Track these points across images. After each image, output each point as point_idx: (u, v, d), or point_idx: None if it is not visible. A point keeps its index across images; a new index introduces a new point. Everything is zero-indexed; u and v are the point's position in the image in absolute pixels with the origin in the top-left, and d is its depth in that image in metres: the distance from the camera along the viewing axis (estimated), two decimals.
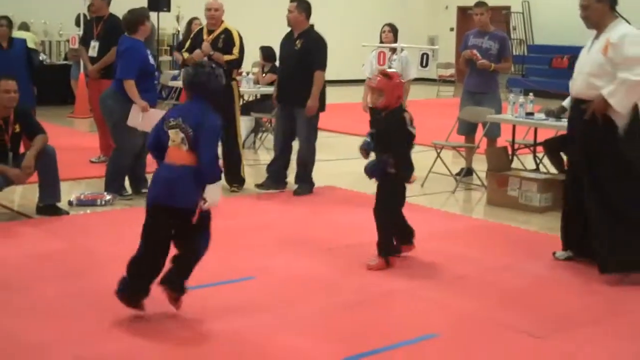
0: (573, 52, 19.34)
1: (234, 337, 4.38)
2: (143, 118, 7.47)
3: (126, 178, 7.86)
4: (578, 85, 5.74)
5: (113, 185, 7.71)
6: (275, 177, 8.33)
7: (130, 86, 7.46)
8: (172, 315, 4.61)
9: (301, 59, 7.95)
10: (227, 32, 8.09)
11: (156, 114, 7.36)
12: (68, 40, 14.37)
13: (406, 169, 5.65)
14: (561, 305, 5.07)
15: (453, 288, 5.33)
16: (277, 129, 8.59)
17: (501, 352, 4.35)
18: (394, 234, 5.84)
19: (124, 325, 4.42)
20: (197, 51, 8.00)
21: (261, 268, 5.64)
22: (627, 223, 5.57)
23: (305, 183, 8.21)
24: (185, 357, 4.17)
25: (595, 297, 5.25)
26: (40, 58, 14.80)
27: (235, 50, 8.04)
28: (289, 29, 8.21)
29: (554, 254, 6.01)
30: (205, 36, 8.12)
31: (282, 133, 8.34)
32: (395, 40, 9.30)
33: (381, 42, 9.51)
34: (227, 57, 7.99)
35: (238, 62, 8.15)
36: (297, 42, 8.03)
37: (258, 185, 8.29)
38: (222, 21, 8.17)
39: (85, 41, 9.58)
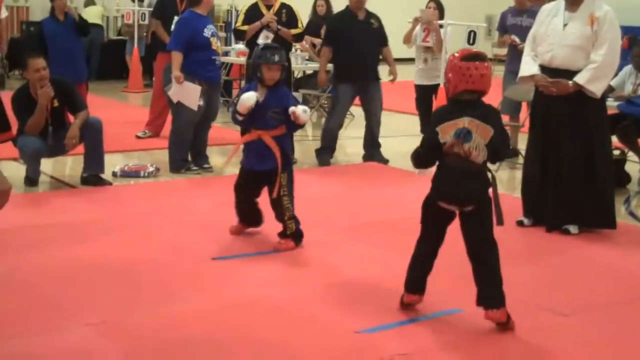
0: (630, 32, 18.77)
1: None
2: (177, 89, 7.45)
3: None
4: (563, 56, 5.87)
5: (175, 158, 7.71)
6: None
7: (174, 57, 7.46)
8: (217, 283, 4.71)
9: (377, 36, 8.38)
10: (288, 7, 8.20)
11: (191, 87, 7.40)
12: (123, 16, 14.56)
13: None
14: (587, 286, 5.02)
15: None
16: (344, 107, 8.65)
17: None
18: None
19: (154, 295, 4.48)
20: (265, 33, 8.04)
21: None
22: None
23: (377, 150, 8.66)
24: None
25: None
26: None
27: (300, 24, 8.24)
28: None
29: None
30: (264, 11, 8.13)
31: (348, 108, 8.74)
32: (442, 17, 9.19)
33: None
34: (295, 31, 8.18)
35: (303, 35, 8.47)
36: (372, 21, 8.35)
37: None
38: None
39: (163, 14, 9.19)
